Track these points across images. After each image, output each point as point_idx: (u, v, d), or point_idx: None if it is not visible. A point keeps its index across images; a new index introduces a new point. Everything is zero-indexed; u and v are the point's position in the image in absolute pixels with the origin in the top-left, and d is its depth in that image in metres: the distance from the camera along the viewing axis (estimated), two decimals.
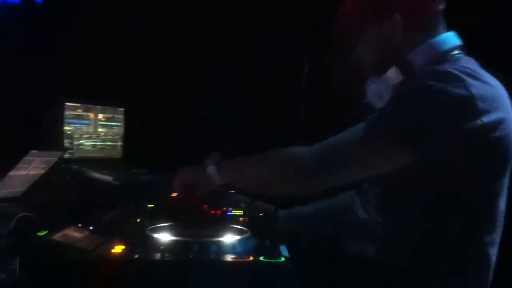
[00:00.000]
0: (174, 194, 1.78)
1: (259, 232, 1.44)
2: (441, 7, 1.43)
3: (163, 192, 1.79)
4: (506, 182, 1.36)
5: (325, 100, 2.42)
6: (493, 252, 1.38)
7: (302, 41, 2.52)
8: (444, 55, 1.38)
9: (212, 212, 1.71)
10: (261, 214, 1.67)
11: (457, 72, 1.25)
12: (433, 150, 1.23)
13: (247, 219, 1.65)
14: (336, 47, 1.58)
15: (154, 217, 1.59)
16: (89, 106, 2.33)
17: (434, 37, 1.40)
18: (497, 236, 1.38)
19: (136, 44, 2.75)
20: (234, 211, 1.75)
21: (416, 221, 1.36)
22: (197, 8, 2.77)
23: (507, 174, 1.35)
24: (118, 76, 2.64)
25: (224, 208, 1.76)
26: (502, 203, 1.37)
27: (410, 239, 1.36)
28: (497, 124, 1.24)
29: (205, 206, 1.73)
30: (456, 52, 1.40)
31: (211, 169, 1.49)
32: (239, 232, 1.44)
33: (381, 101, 1.42)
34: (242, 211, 1.76)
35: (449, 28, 1.45)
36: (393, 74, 1.41)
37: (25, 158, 1.96)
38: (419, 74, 1.34)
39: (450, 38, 1.41)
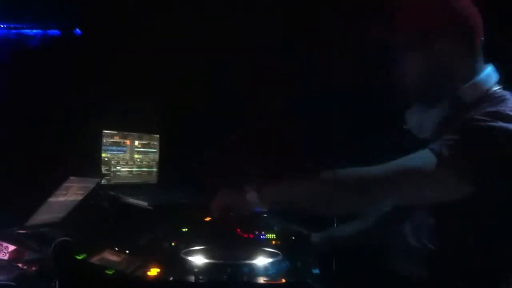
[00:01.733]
0: (208, 219, 1.84)
1: (292, 255, 1.48)
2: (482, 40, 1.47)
3: (198, 215, 1.84)
4: None
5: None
6: None
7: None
8: (488, 93, 1.43)
9: (245, 235, 1.76)
10: (294, 238, 1.72)
11: (509, 110, 1.32)
12: (492, 187, 1.28)
13: (279, 242, 1.68)
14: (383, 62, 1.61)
15: (188, 241, 1.64)
16: (125, 133, 2.42)
17: (480, 72, 1.44)
18: None
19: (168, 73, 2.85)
20: (267, 235, 1.79)
21: (465, 251, 1.39)
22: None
23: None
24: (153, 104, 2.75)
25: (257, 232, 1.80)
26: None
27: (460, 268, 1.39)
28: None
29: (238, 229, 1.77)
30: (497, 88, 1.45)
31: (252, 195, 1.51)
32: (271, 255, 1.48)
33: (425, 131, 1.47)
34: (274, 235, 1.79)
35: None
36: (440, 106, 1.45)
37: (64, 184, 2.06)
38: (478, 113, 1.36)
39: (492, 75, 1.46)
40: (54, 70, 2.86)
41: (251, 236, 1.76)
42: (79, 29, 3.13)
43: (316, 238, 1.89)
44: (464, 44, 1.43)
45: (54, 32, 3.16)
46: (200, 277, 1.29)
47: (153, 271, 1.33)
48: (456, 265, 1.41)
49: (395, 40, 1.51)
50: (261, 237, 1.78)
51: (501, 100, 1.40)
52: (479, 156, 1.28)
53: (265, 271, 1.34)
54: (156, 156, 2.57)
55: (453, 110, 1.42)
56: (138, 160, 2.47)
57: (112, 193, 2.18)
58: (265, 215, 1.93)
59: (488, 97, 1.42)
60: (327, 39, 2.59)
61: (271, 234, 1.80)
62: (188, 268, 1.36)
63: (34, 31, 3.13)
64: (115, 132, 2.37)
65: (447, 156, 1.29)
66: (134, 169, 2.45)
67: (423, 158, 1.34)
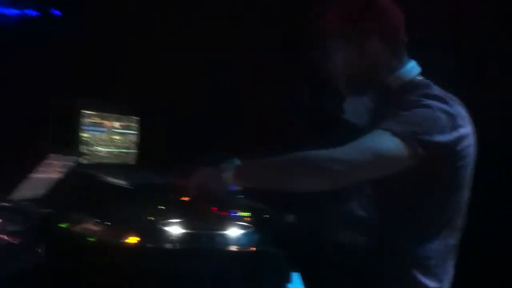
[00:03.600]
0: (185, 198, 1.96)
1: (262, 229, 1.62)
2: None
3: (175, 194, 1.96)
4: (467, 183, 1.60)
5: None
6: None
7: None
8: (413, 81, 1.62)
9: (220, 213, 1.88)
10: (267, 216, 1.85)
11: (441, 95, 1.53)
12: (434, 152, 1.45)
13: (253, 219, 1.81)
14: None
15: (165, 216, 1.75)
16: (105, 114, 2.52)
17: (403, 65, 1.63)
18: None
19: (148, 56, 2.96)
20: (241, 213, 1.92)
21: (407, 219, 1.56)
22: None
23: (468, 180, 1.58)
24: (132, 85, 2.86)
25: (232, 211, 1.92)
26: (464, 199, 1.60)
27: (402, 236, 1.55)
28: (466, 136, 1.52)
29: (214, 208, 1.90)
30: (419, 78, 1.64)
31: (227, 175, 1.62)
32: (243, 227, 1.62)
33: (361, 117, 1.67)
34: (249, 213, 1.92)
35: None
36: (370, 95, 1.64)
37: (45, 161, 2.16)
38: (412, 95, 1.54)
39: (414, 68, 1.65)
40: (34, 49, 2.95)
41: (226, 214, 1.88)
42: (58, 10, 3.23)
43: (291, 219, 2.03)
44: (390, 41, 1.62)
45: (33, 12, 3.25)
46: (177, 245, 1.42)
47: (133, 239, 1.45)
48: (401, 232, 1.57)
49: (326, 37, 1.69)
50: (236, 215, 1.90)
51: (426, 85, 1.60)
52: (421, 129, 1.45)
53: (236, 241, 1.47)
54: (134, 138, 2.68)
55: (382, 97, 1.62)
56: (117, 141, 2.58)
57: (91, 171, 2.28)
58: (241, 196, 2.05)
59: (413, 84, 1.60)
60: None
61: (246, 213, 1.93)
62: (164, 237, 1.48)
63: (12, 10, 3.21)
64: (94, 112, 2.47)
65: (399, 132, 1.46)
66: (113, 150, 2.56)
67: (380, 136, 1.50)
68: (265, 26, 2.97)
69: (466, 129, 1.53)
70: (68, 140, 2.44)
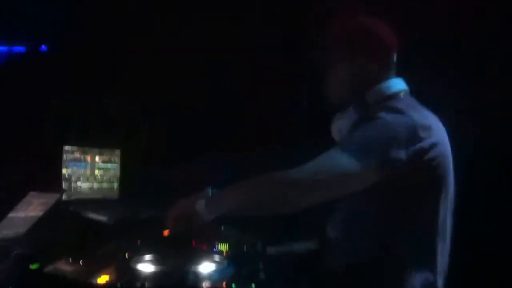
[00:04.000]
0: (166, 232, 1.96)
1: (238, 263, 1.61)
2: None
3: (156, 230, 1.96)
4: (444, 195, 1.60)
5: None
6: (439, 251, 1.61)
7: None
8: (389, 97, 1.65)
9: (199, 247, 1.87)
10: (246, 248, 1.85)
11: (402, 106, 1.56)
12: (391, 168, 1.48)
13: (230, 252, 1.80)
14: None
15: (142, 252, 1.75)
16: (86, 148, 2.53)
17: (386, 80, 1.68)
18: (441, 240, 1.61)
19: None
20: (220, 246, 1.91)
21: (373, 234, 1.57)
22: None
23: (443, 189, 1.60)
24: (113, 120, 2.88)
25: (211, 243, 1.91)
26: (442, 213, 1.60)
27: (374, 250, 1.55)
28: (432, 146, 1.53)
29: (193, 241, 1.89)
30: (401, 94, 1.68)
31: (199, 205, 1.62)
32: (216, 262, 1.61)
33: (340, 135, 1.70)
34: (227, 245, 1.91)
35: None
36: (350, 111, 1.68)
37: (24, 199, 2.16)
38: (376, 109, 1.58)
39: (396, 84, 1.70)
40: (18, 86, 2.97)
41: (204, 247, 1.87)
42: (46, 45, 3.25)
43: (272, 251, 2.03)
44: (379, 62, 1.69)
45: (19, 48, 3.27)
46: (146, 284, 1.41)
47: (102, 279, 1.45)
48: (375, 250, 1.57)
49: (321, 54, 1.72)
50: (214, 248, 1.89)
51: (396, 98, 1.65)
52: (375, 145, 1.49)
53: (208, 277, 1.46)
54: (117, 172, 2.68)
55: (359, 112, 1.65)
56: (99, 175, 2.58)
57: (72, 208, 2.28)
58: (222, 227, 2.05)
59: (388, 98, 1.65)
60: None
61: (225, 245, 1.92)
62: (135, 275, 1.48)
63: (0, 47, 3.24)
64: (76, 147, 2.48)
65: (354, 150, 1.48)
66: (95, 185, 2.56)
67: (333, 154, 1.52)
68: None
69: (430, 140, 1.53)
70: (50, 177, 2.45)
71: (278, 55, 2.98)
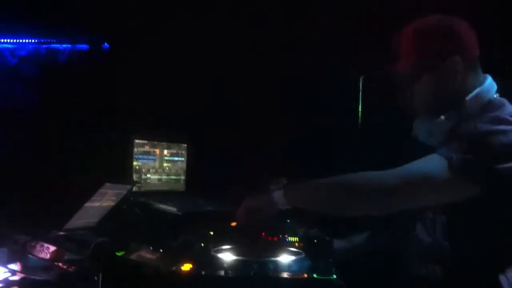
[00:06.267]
0: (234, 224, 2.00)
1: (313, 255, 1.64)
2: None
3: (224, 221, 2.00)
4: None
5: None
6: None
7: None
8: (490, 101, 1.62)
9: (270, 239, 1.91)
10: (316, 241, 1.87)
11: (510, 118, 1.52)
12: (496, 183, 1.44)
13: (302, 244, 1.83)
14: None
15: (216, 242, 1.80)
16: (155, 142, 2.60)
17: (481, 83, 1.64)
18: None
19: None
20: (290, 238, 1.94)
21: (477, 245, 1.53)
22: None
23: None
24: (181, 114, 2.95)
25: (281, 236, 1.95)
26: None
27: (474, 261, 1.53)
28: None
29: (263, 234, 1.93)
30: (496, 96, 1.64)
31: (277, 194, 1.64)
32: (294, 253, 1.64)
33: (435, 138, 1.65)
34: (297, 238, 1.94)
35: None
36: (448, 116, 1.62)
37: (100, 190, 2.24)
38: (481, 120, 1.54)
39: (491, 85, 1.66)
40: (85, 83, 3.08)
41: (275, 239, 1.91)
42: (108, 43, 3.36)
43: (339, 244, 2.05)
44: (464, 61, 1.63)
45: (83, 46, 3.39)
46: (229, 272, 1.46)
47: (186, 267, 1.50)
48: (468, 263, 1.55)
49: (405, 69, 1.68)
50: (285, 240, 1.92)
51: (499, 106, 1.59)
52: (483, 158, 1.45)
53: (288, 268, 1.50)
54: (184, 165, 2.75)
55: (459, 119, 1.60)
56: (167, 168, 2.65)
57: (143, 199, 2.36)
58: (288, 220, 2.08)
59: (489, 105, 1.61)
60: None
61: (295, 237, 1.95)
62: (218, 264, 1.52)
63: (64, 45, 3.36)
64: (146, 141, 2.55)
65: (456, 160, 1.45)
66: (163, 177, 2.63)
67: (433, 162, 1.49)
68: None
69: None
70: (121, 169, 2.52)
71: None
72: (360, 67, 2.80)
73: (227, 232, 1.93)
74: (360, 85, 2.88)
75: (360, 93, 2.88)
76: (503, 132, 1.46)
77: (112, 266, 1.51)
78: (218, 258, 1.58)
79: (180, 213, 2.22)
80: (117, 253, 1.57)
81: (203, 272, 1.46)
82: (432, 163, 1.50)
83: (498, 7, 2.57)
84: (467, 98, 1.61)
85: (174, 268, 1.49)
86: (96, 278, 1.57)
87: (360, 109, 2.89)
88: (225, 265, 1.52)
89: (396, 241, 1.90)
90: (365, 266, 2.08)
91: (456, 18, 1.68)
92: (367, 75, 2.82)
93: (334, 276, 1.44)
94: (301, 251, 1.68)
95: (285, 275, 1.44)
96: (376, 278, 1.88)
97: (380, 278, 1.87)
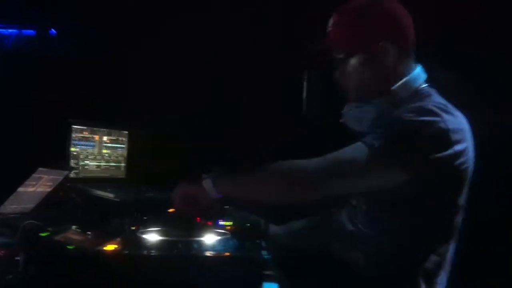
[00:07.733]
0: (171, 210, 2.01)
1: (241, 236, 1.66)
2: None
3: (162, 208, 2.01)
4: (463, 197, 1.62)
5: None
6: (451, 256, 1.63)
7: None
8: (417, 90, 1.64)
9: (203, 223, 1.92)
10: (249, 225, 1.90)
11: (435, 109, 1.52)
12: (418, 173, 1.47)
13: (233, 227, 1.86)
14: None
15: (148, 226, 1.80)
16: (94, 128, 2.58)
17: (410, 72, 1.65)
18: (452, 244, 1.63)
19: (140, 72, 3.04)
20: (224, 223, 1.96)
21: (397, 233, 1.57)
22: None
23: (464, 191, 1.61)
24: (122, 101, 2.93)
25: (216, 221, 1.96)
26: (460, 215, 1.62)
27: (394, 248, 1.57)
28: (463, 151, 1.52)
29: (198, 219, 1.94)
30: (424, 85, 1.66)
31: (208, 183, 1.66)
32: (220, 234, 1.66)
33: (362, 125, 1.66)
34: (232, 222, 1.96)
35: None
36: (376, 103, 1.65)
37: (34, 175, 2.22)
38: (405, 109, 1.56)
39: (420, 74, 1.67)
40: (29, 67, 3.04)
41: (209, 224, 1.92)
42: (55, 29, 3.31)
43: (274, 229, 2.07)
44: (397, 48, 1.64)
45: (29, 31, 3.33)
46: (152, 251, 1.47)
47: (110, 247, 1.50)
48: (388, 250, 1.59)
49: (336, 50, 1.70)
50: (218, 224, 1.94)
51: (426, 96, 1.61)
52: (404, 147, 1.47)
53: (212, 247, 1.52)
54: (125, 152, 2.73)
55: (387, 107, 1.62)
56: (106, 155, 2.63)
57: (79, 185, 2.34)
58: (226, 206, 2.10)
59: (416, 94, 1.62)
60: None
61: (229, 222, 1.97)
62: (142, 244, 1.53)
63: (10, 30, 3.30)
64: (84, 127, 2.53)
65: (378, 148, 1.48)
66: (102, 164, 2.61)
67: (357, 150, 1.52)
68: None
69: (462, 145, 1.51)
70: (58, 154, 2.50)
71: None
72: None
73: (162, 217, 1.94)
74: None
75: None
76: (427, 123, 1.48)
77: (34, 246, 1.50)
78: (143, 239, 1.59)
79: (118, 200, 2.22)
80: (41, 234, 1.56)
81: (126, 252, 1.47)
82: (356, 150, 1.52)
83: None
84: (394, 86, 1.63)
85: (97, 248, 1.49)
86: (23, 259, 1.55)
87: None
88: (149, 245, 1.53)
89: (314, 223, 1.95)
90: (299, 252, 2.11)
91: (394, 3, 1.67)
92: None
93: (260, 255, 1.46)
94: (227, 232, 1.70)
95: (208, 253, 1.46)
96: (307, 263, 1.90)
97: (311, 263, 1.89)
